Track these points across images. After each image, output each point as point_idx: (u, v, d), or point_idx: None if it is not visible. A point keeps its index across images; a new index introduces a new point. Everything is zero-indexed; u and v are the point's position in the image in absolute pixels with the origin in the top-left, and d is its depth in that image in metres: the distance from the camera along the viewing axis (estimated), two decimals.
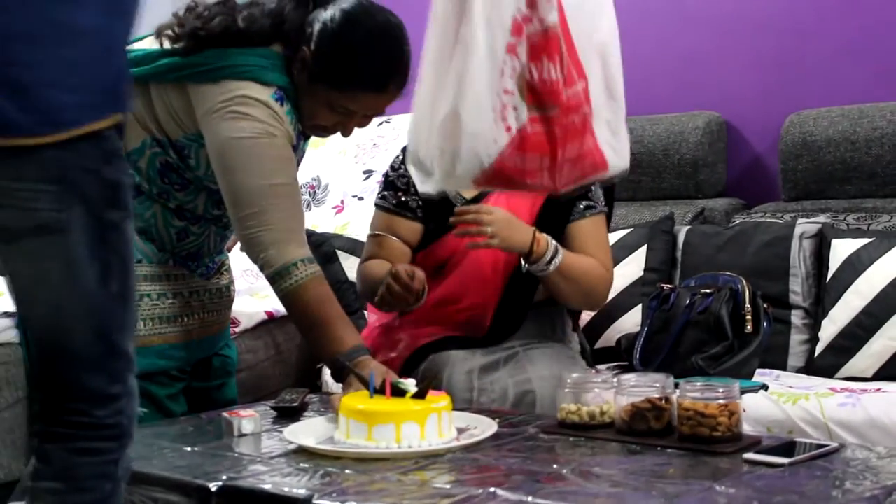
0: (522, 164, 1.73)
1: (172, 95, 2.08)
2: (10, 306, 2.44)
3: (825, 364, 2.58)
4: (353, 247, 3.07)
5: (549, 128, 1.73)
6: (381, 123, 3.69)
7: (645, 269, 2.90)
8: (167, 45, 2.08)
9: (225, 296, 2.37)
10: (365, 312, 2.76)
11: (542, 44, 1.70)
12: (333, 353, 2.03)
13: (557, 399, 1.87)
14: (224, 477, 1.60)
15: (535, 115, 1.72)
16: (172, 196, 2.16)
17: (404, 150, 2.45)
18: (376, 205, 2.48)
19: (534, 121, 1.72)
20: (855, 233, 2.74)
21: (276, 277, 2.04)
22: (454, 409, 1.82)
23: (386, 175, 2.51)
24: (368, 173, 3.58)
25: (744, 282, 2.48)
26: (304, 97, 2.12)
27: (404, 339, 2.34)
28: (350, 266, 3.03)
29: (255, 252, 2.06)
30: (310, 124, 2.17)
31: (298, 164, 2.29)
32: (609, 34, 1.80)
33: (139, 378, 2.16)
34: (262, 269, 2.07)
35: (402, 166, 2.43)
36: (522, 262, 2.27)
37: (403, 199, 2.42)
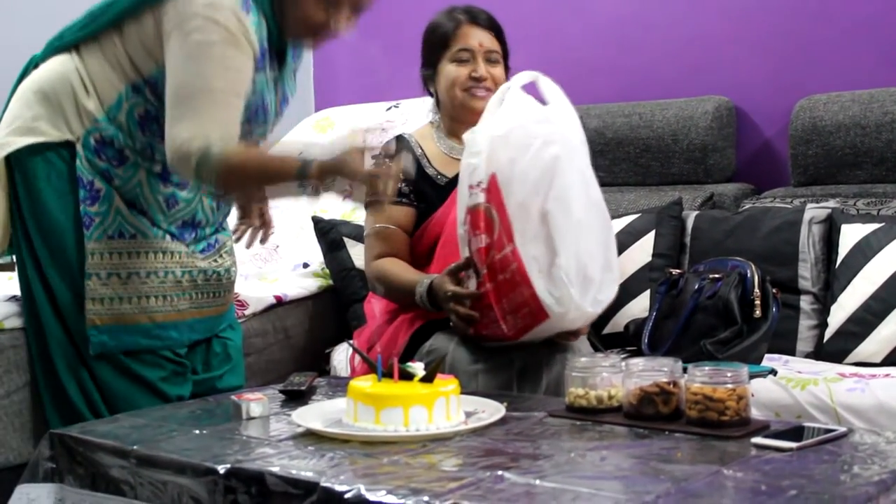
0: (485, 317, 2.16)
1: (146, 24, 2.11)
2: (18, 290, 2.48)
3: (834, 349, 2.58)
4: (359, 233, 3.06)
5: (488, 286, 2.14)
6: (389, 108, 3.69)
7: (653, 255, 2.90)
8: None
9: (224, 278, 2.36)
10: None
11: (475, 220, 2.16)
12: (295, 161, 2.03)
13: (566, 382, 1.87)
14: (232, 460, 1.61)
15: (482, 278, 2.16)
16: (156, 150, 2.15)
17: (387, 143, 2.53)
18: (369, 204, 2.46)
19: (481, 283, 2.16)
20: (864, 218, 2.73)
21: (203, 160, 1.99)
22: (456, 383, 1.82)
23: None
24: None
25: (753, 267, 2.47)
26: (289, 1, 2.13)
27: (407, 320, 2.36)
28: (357, 254, 3.03)
29: (180, 148, 2.01)
30: (301, 27, 2.17)
31: (292, 74, 2.31)
32: (555, 201, 2.09)
33: (123, 356, 2.17)
34: (180, 162, 2.02)
35: (386, 159, 2.45)
36: None
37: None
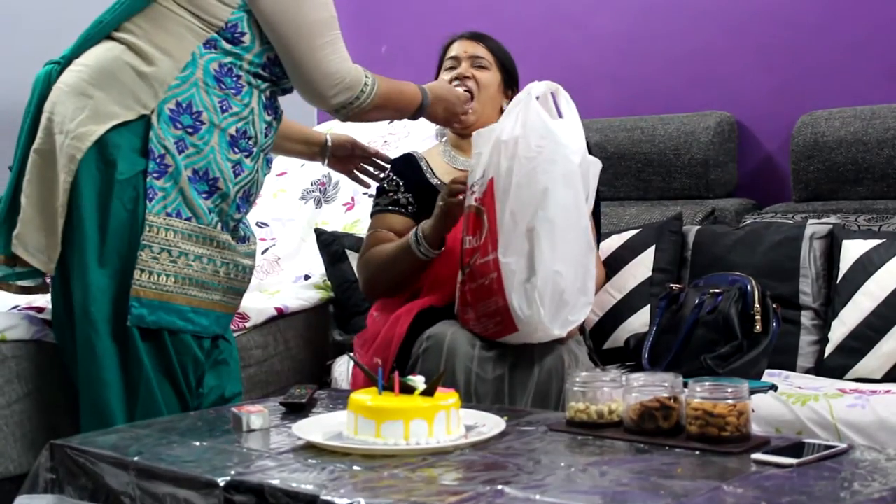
0: (467, 314, 2.30)
1: None
2: (23, 302, 2.48)
3: (835, 365, 2.58)
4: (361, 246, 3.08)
5: (468, 286, 2.27)
6: (391, 121, 3.69)
7: (654, 270, 2.90)
8: None
9: (248, 277, 2.42)
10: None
11: (467, 221, 2.29)
12: (418, 92, 2.47)
13: (566, 396, 1.87)
14: (232, 472, 1.61)
15: (465, 276, 2.29)
16: (231, 104, 2.25)
17: (392, 162, 2.75)
18: (371, 214, 2.67)
19: (464, 282, 2.29)
20: (866, 234, 2.73)
21: (360, 95, 2.32)
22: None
23: (377, 186, 2.72)
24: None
25: (753, 282, 2.47)
26: None
27: (404, 312, 2.42)
28: None
29: (333, 79, 2.29)
30: None
31: None
32: (543, 222, 2.16)
33: (151, 332, 2.21)
34: (335, 95, 2.30)
35: (390, 174, 2.69)
36: None
37: (395, 197, 2.62)
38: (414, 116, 2.50)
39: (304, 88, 2.33)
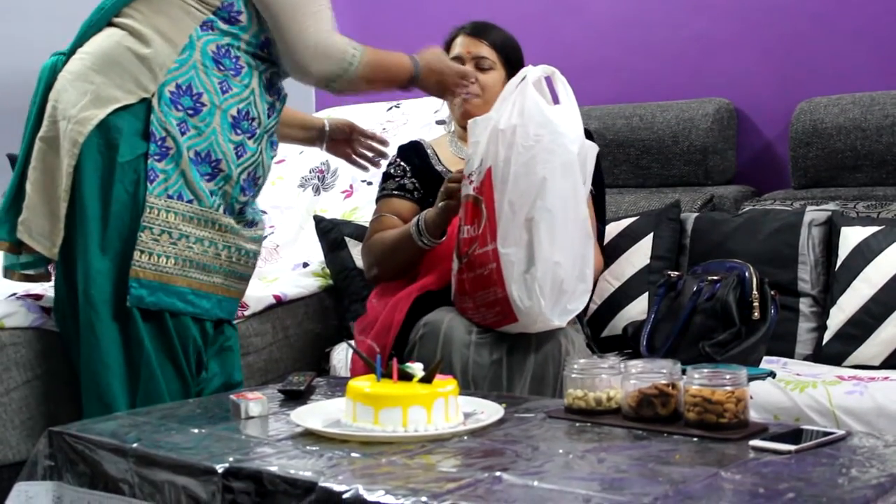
0: (465, 303, 2.29)
1: None
2: (21, 290, 2.48)
3: (833, 352, 2.58)
4: (361, 234, 3.07)
5: (465, 275, 2.26)
6: (390, 108, 3.69)
7: (652, 257, 2.90)
8: None
9: (252, 263, 2.42)
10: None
11: (465, 210, 2.27)
12: (409, 64, 2.40)
13: (564, 383, 1.87)
14: (231, 459, 1.61)
15: (462, 265, 2.27)
16: (230, 85, 2.26)
17: (399, 148, 2.76)
18: (377, 199, 2.69)
19: (461, 270, 2.28)
20: (864, 221, 2.73)
21: (346, 66, 2.29)
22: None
23: (384, 172, 2.73)
24: None
25: (751, 268, 2.47)
26: None
27: (403, 297, 2.43)
28: (358, 254, 3.04)
29: (315, 49, 2.26)
30: None
31: None
32: (542, 212, 2.15)
33: (153, 314, 2.22)
34: (318, 67, 2.27)
35: (397, 159, 2.71)
36: None
37: (402, 182, 2.64)
38: (406, 87, 2.47)
39: (287, 62, 2.32)
